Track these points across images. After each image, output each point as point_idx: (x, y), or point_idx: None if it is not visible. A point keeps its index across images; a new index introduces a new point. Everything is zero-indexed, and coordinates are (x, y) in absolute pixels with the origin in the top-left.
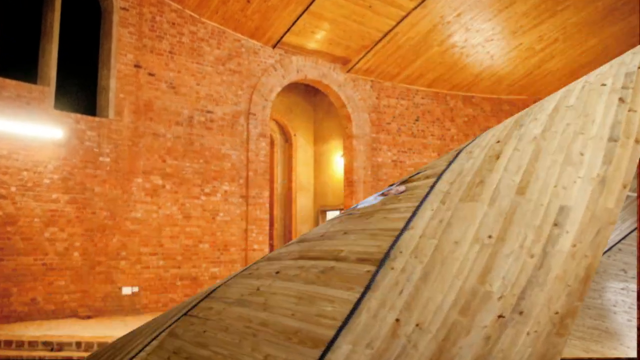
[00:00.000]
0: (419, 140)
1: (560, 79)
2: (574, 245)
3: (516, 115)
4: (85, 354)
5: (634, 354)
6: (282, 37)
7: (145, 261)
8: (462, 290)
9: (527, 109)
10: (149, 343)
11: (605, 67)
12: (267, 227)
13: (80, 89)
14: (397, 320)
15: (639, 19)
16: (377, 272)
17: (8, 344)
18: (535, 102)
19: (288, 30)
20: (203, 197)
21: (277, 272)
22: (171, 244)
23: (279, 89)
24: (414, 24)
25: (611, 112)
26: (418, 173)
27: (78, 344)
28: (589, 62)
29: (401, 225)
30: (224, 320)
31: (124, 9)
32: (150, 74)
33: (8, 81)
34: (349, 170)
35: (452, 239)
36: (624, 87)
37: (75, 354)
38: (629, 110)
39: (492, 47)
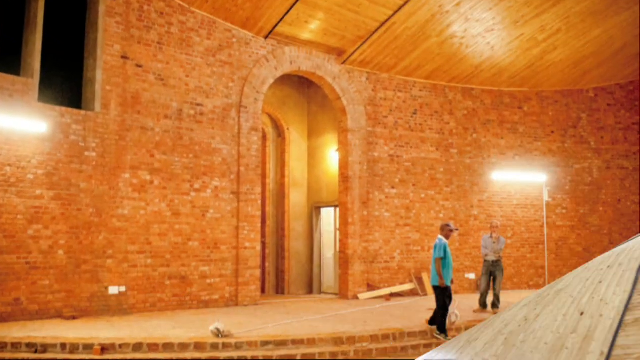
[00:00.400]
0: (417, 134)
1: (563, 70)
2: None
3: None
4: (70, 356)
5: None
6: (274, 27)
7: (133, 260)
8: None
9: None
10: None
11: None
12: (259, 225)
13: (65, 81)
14: None
15: None
16: None
17: None
18: (537, 94)
19: (281, 20)
20: (193, 193)
21: None
22: (159, 242)
23: (271, 81)
24: (412, 13)
25: None
26: None
27: (63, 346)
28: (592, 53)
29: None
30: None
31: None
32: (138, 66)
33: None
34: (344, 166)
35: None
36: None
37: (60, 356)
38: None
39: (493, 37)
